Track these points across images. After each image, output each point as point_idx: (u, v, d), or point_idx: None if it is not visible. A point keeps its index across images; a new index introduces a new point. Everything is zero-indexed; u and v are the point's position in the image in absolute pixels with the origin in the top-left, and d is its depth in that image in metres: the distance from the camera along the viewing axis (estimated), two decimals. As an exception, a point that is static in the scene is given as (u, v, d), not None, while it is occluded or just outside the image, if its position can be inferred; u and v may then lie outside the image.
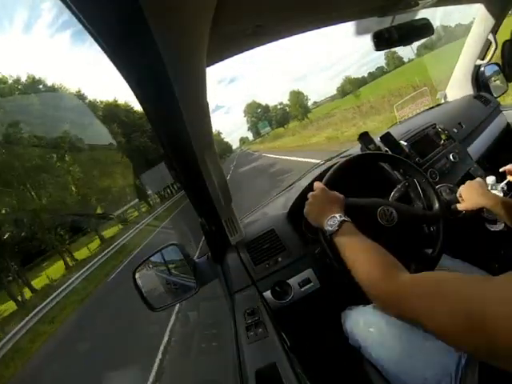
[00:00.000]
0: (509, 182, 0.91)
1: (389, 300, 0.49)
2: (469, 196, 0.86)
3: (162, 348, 3.17)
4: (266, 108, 67.07)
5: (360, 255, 0.58)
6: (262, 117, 65.46)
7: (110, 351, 3.92)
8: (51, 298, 8.99)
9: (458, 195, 0.90)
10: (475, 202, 0.84)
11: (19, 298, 11.52)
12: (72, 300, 8.48)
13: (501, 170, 0.93)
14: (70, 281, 10.16)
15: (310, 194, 0.77)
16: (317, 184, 0.79)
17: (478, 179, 0.89)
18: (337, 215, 0.67)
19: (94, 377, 3.51)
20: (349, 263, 0.60)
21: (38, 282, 13.42)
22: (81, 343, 4.84)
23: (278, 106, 66.02)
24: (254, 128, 67.93)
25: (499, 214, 0.80)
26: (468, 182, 0.88)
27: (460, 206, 0.88)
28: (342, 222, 0.65)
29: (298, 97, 58.51)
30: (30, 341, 6.43)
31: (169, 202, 22.46)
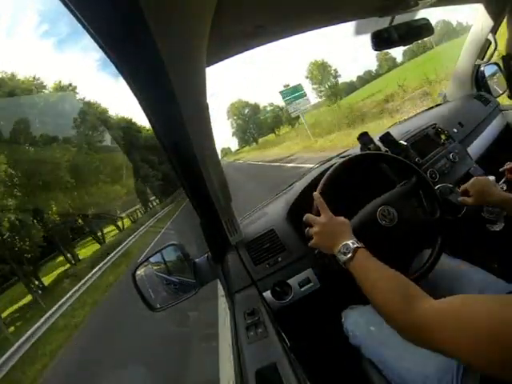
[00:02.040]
0: (508, 181, 0.91)
1: (409, 331, 0.48)
2: (476, 192, 0.86)
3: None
4: (256, 107, 49.50)
5: (377, 284, 0.57)
6: (250, 118, 48.61)
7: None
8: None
9: (462, 190, 0.90)
10: (481, 198, 0.84)
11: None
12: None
13: (501, 169, 0.93)
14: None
15: (312, 219, 0.74)
16: (315, 195, 0.77)
17: (485, 176, 0.89)
18: (349, 242, 0.65)
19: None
20: (366, 292, 0.59)
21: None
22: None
23: (268, 108, 49.62)
24: (240, 133, 49.55)
25: (506, 211, 0.81)
26: (475, 179, 0.88)
27: (465, 201, 0.88)
28: (355, 249, 0.63)
29: (324, 70, 36.83)
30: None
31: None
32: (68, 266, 14.69)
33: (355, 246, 0.64)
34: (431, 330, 0.43)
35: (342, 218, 0.73)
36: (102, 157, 17.98)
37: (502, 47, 1.45)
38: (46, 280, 13.27)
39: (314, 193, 0.78)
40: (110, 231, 19.59)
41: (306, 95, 18.73)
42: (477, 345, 0.36)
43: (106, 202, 17.02)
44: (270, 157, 19.79)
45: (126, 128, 26.14)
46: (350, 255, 0.63)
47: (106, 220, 18.38)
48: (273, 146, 31.73)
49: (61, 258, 15.93)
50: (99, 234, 17.84)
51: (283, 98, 18.28)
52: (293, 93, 18.25)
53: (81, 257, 16.12)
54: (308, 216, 0.76)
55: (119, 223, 19.25)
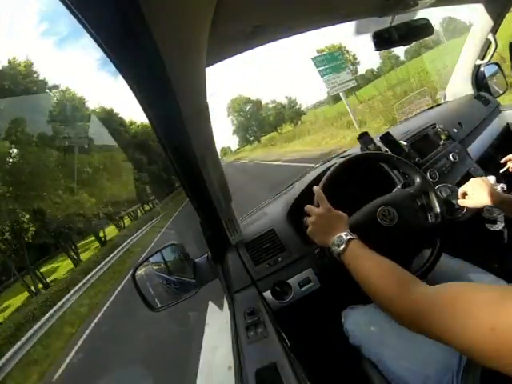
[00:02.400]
0: (508, 181, 0.91)
1: (407, 317, 0.47)
2: (474, 193, 0.85)
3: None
4: (258, 103, 44.48)
5: (371, 272, 0.57)
6: (252, 115, 44.36)
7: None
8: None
9: (461, 192, 0.90)
10: (480, 200, 0.83)
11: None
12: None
13: (502, 161, 0.93)
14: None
15: (310, 209, 0.75)
16: (316, 189, 0.78)
17: (483, 177, 0.89)
18: (342, 234, 0.66)
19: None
20: (360, 281, 0.59)
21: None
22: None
23: (270, 105, 44.60)
24: (241, 131, 44.52)
25: (504, 212, 0.81)
26: (473, 180, 0.88)
27: (464, 203, 0.88)
28: (348, 241, 0.64)
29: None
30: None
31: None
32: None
33: (348, 237, 0.64)
34: (427, 315, 0.43)
35: (339, 212, 0.73)
36: (67, 155, 13.81)
37: (502, 47, 1.45)
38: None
39: (315, 187, 0.79)
40: (89, 242, 17.46)
41: (346, 67, 12.80)
42: (475, 334, 0.36)
43: (69, 216, 13.05)
44: (287, 156, 14.64)
45: (106, 120, 22.56)
46: (343, 247, 0.64)
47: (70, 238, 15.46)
48: (284, 142, 25.80)
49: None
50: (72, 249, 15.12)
51: (316, 68, 12.87)
52: (329, 61, 12.77)
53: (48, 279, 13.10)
54: (308, 206, 0.76)
55: (101, 234, 16.80)
